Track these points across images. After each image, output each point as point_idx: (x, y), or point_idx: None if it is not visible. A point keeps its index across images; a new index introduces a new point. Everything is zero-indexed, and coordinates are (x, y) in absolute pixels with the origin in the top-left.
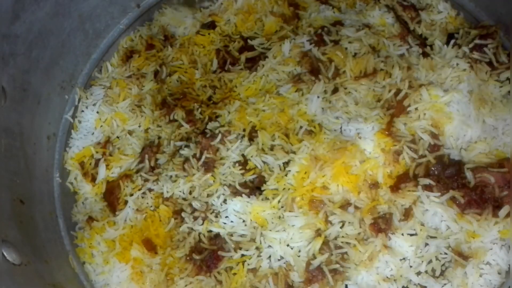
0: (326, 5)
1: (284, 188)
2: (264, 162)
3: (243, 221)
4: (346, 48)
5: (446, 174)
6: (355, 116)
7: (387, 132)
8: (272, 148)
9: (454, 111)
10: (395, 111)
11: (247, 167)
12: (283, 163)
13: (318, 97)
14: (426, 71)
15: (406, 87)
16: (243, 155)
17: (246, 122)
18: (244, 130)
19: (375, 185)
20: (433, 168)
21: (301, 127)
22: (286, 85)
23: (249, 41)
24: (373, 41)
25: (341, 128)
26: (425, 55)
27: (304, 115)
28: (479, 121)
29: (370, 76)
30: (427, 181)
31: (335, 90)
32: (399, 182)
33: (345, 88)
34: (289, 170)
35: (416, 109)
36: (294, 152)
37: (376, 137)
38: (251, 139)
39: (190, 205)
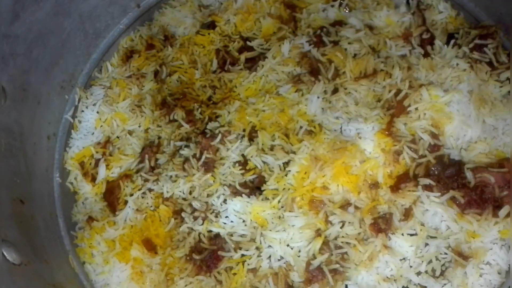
0: (333, 3)
1: (284, 188)
2: (264, 162)
3: (243, 221)
4: (345, 49)
5: (446, 174)
6: (355, 116)
7: (387, 132)
8: (272, 148)
9: (454, 111)
10: (395, 111)
11: (247, 167)
12: (283, 163)
13: (318, 97)
14: (426, 71)
15: (406, 87)
16: (243, 155)
17: (246, 122)
18: (244, 130)
19: (375, 185)
20: (433, 168)
21: (301, 127)
22: (286, 85)
23: (247, 42)
24: (373, 42)
25: (341, 128)
26: (425, 55)
27: (304, 115)
28: (479, 121)
29: (370, 77)
30: (427, 181)
31: (335, 91)
32: (399, 182)
33: (345, 89)
34: (289, 170)
35: (416, 109)
36: (294, 152)
37: (376, 137)
38: (251, 139)
39: (190, 205)
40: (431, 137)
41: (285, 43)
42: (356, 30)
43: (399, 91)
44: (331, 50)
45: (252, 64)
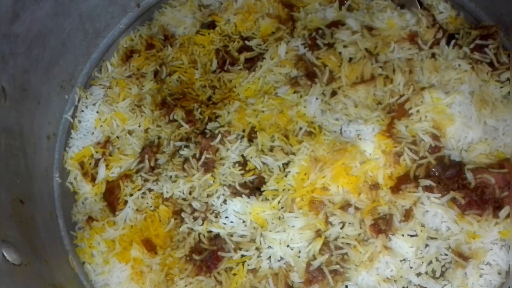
0: (333, 4)
1: (284, 189)
2: (263, 163)
3: (243, 221)
4: (340, 53)
5: (447, 175)
6: (355, 118)
7: (387, 134)
8: (271, 149)
9: (456, 113)
10: (397, 114)
11: (247, 168)
12: (283, 164)
13: (316, 98)
14: (430, 73)
15: (410, 92)
16: (242, 156)
17: (245, 122)
18: (243, 130)
19: (375, 186)
20: (433, 169)
21: (300, 128)
22: (284, 87)
23: (246, 41)
24: (369, 45)
25: (341, 129)
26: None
27: (304, 116)
28: (480, 122)
29: (368, 82)
30: (427, 182)
31: (333, 93)
32: (400, 183)
33: (343, 91)
34: (289, 171)
35: (418, 111)
36: (293, 153)
37: (377, 139)
38: (251, 140)
39: (190, 205)
40: (432, 138)
41: (282, 44)
42: (352, 32)
43: (401, 96)
44: (325, 53)
45: (251, 64)
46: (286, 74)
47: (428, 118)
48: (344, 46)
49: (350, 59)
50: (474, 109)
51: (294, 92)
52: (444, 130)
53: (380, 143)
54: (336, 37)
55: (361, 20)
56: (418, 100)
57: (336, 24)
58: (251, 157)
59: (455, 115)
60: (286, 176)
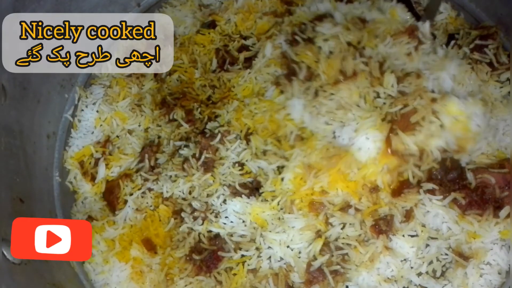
0: None
1: (281, 192)
2: (258, 167)
3: (243, 221)
4: (320, 47)
5: (449, 178)
6: (346, 120)
7: (389, 150)
8: (264, 152)
9: (477, 129)
10: (399, 125)
11: (244, 171)
12: (278, 168)
13: (299, 98)
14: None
15: (416, 102)
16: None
17: (242, 123)
18: (241, 131)
19: (375, 188)
20: (435, 172)
21: (291, 132)
22: (271, 87)
23: (243, 40)
24: (352, 38)
25: (334, 133)
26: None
27: (292, 120)
28: (491, 129)
29: (351, 78)
30: (430, 185)
31: (316, 94)
32: (402, 188)
33: (325, 91)
34: (284, 177)
35: (441, 126)
36: (286, 158)
37: (379, 156)
38: (247, 141)
39: (190, 205)
40: (441, 152)
41: (268, 43)
42: (334, 25)
43: (405, 106)
44: (303, 48)
45: (249, 63)
46: (273, 73)
47: (448, 135)
48: (325, 40)
49: (330, 53)
50: (488, 118)
51: (282, 93)
52: (466, 147)
53: (384, 163)
54: (317, 30)
55: (354, 12)
56: (428, 113)
57: (322, 17)
58: (246, 160)
59: (479, 133)
60: (282, 180)
